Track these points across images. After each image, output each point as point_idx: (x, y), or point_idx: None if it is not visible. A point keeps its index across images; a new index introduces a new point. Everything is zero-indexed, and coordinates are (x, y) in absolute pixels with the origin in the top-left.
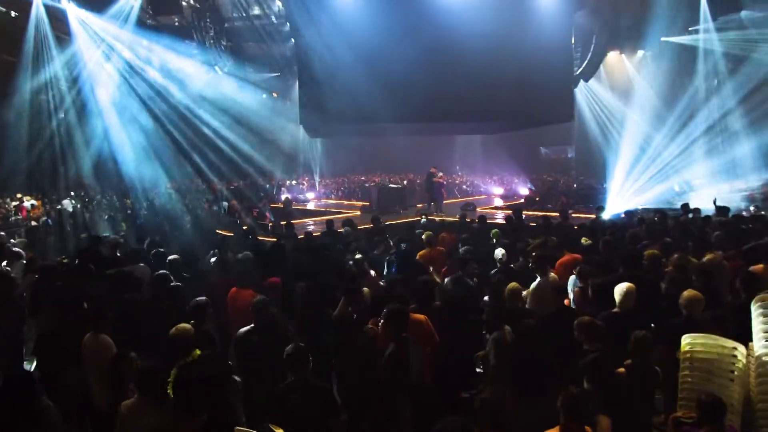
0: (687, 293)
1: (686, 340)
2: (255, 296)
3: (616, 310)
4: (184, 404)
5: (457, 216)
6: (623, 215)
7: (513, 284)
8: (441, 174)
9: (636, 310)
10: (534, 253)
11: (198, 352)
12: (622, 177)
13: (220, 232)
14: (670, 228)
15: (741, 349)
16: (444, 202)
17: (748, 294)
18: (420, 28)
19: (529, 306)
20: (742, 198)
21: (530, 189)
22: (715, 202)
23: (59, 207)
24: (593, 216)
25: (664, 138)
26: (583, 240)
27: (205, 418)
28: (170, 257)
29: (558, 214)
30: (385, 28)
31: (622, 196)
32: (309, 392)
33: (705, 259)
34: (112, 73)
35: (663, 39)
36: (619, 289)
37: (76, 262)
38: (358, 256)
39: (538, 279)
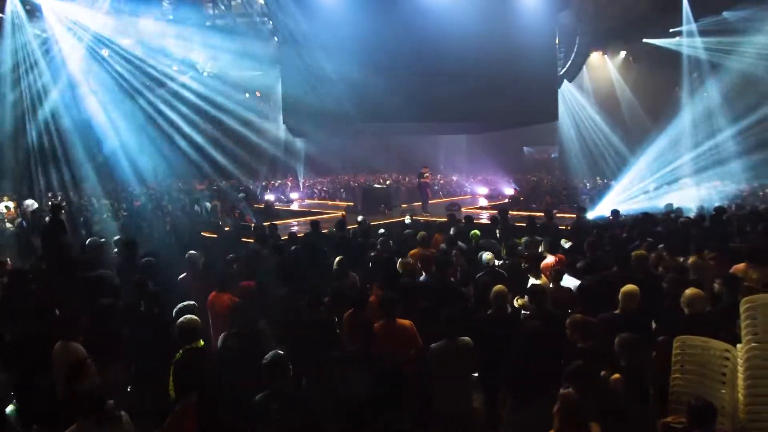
0: (689, 291)
1: (677, 343)
2: (233, 300)
3: (617, 311)
4: (182, 384)
5: (446, 216)
6: (610, 216)
7: (499, 286)
8: (428, 174)
9: (638, 313)
10: (526, 254)
11: (202, 342)
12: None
13: (203, 234)
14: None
15: (732, 351)
16: (429, 202)
17: (729, 295)
18: (405, 27)
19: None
20: (721, 198)
21: (515, 189)
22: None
23: (22, 207)
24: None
25: (649, 138)
26: (563, 241)
27: (195, 399)
28: (145, 259)
29: (543, 214)
30: (369, 28)
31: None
32: (289, 403)
33: (690, 260)
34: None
35: (645, 41)
36: (622, 291)
37: (45, 266)
38: (338, 258)
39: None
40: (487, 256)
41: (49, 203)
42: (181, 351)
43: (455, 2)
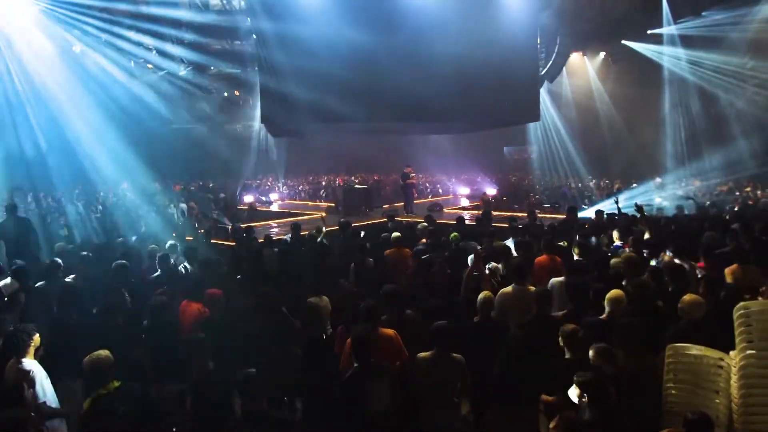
0: (687, 297)
1: (669, 351)
2: (203, 310)
3: (603, 317)
4: None
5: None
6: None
7: (485, 293)
8: (413, 174)
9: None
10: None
11: (115, 383)
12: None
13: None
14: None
15: (727, 360)
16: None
17: (711, 299)
18: (386, 26)
19: (495, 314)
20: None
21: (497, 189)
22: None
23: None
24: (563, 216)
25: (628, 138)
26: (563, 243)
27: None
28: (118, 262)
29: (526, 214)
30: (350, 26)
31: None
32: (267, 426)
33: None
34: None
35: (624, 42)
36: (609, 296)
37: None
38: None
39: (512, 285)
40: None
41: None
42: (90, 398)
43: (437, 2)
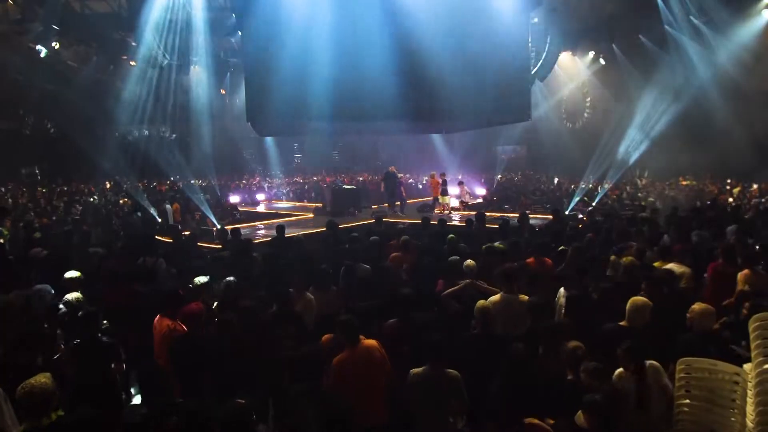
0: (697, 306)
1: (681, 366)
2: (173, 327)
3: (623, 323)
4: None
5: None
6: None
7: (482, 302)
8: (401, 174)
9: (649, 327)
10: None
11: (58, 413)
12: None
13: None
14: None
15: (742, 374)
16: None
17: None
18: (376, 26)
19: (475, 324)
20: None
21: (487, 189)
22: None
23: None
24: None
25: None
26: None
27: None
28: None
29: (518, 216)
30: (338, 24)
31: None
32: None
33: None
34: None
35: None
36: (632, 304)
37: None
38: None
39: (502, 293)
40: (468, 263)
41: None
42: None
43: (427, 1)
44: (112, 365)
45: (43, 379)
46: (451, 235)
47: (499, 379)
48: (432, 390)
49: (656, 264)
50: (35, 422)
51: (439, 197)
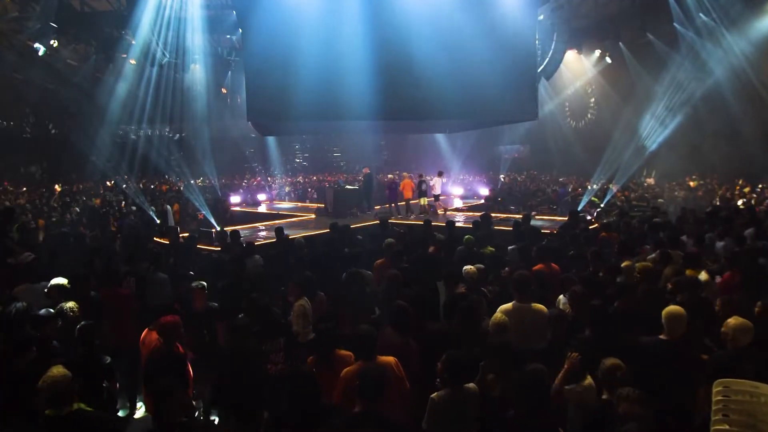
0: (733, 321)
1: (718, 387)
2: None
3: (663, 336)
4: None
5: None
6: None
7: (498, 315)
8: (390, 175)
9: (687, 338)
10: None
11: (79, 405)
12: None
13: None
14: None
15: None
16: (400, 203)
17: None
18: (380, 25)
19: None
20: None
21: (490, 189)
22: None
23: None
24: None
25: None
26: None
27: None
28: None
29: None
30: (340, 22)
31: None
32: None
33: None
34: None
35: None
36: (670, 314)
37: None
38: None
39: (514, 303)
40: (468, 269)
41: None
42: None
43: None
44: (104, 384)
45: (61, 370)
46: (468, 236)
47: (517, 404)
48: (452, 414)
49: (688, 272)
50: (58, 410)
51: (410, 199)
